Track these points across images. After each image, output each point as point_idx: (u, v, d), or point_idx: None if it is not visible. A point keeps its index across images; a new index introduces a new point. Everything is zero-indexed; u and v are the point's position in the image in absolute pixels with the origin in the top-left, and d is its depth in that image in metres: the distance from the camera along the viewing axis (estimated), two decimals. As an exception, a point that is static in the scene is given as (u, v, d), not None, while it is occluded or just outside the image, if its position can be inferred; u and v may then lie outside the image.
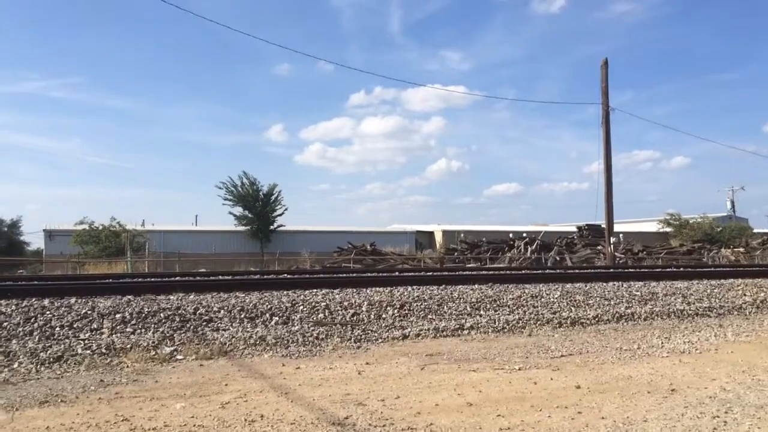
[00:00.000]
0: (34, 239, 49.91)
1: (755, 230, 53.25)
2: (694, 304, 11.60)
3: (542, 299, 10.94)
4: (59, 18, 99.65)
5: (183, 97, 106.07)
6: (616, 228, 31.13)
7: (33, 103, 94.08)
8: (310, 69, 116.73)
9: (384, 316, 9.28)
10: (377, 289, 11.03)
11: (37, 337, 7.44)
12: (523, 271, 16.77)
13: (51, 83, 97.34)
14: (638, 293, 12.05)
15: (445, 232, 48.53)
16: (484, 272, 16.16)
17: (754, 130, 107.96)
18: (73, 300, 8.98)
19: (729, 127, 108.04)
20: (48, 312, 8.25)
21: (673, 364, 6.61)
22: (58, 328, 7.74)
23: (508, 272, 16.17)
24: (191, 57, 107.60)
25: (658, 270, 18.81)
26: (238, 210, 43.90)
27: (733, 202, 65.99)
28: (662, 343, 8.01)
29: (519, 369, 6.36)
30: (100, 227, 36.86)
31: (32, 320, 7.92)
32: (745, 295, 12.74)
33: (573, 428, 4.27)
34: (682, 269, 18.34)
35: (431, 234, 50.40)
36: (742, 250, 41.25)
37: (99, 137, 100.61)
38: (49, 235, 39.90)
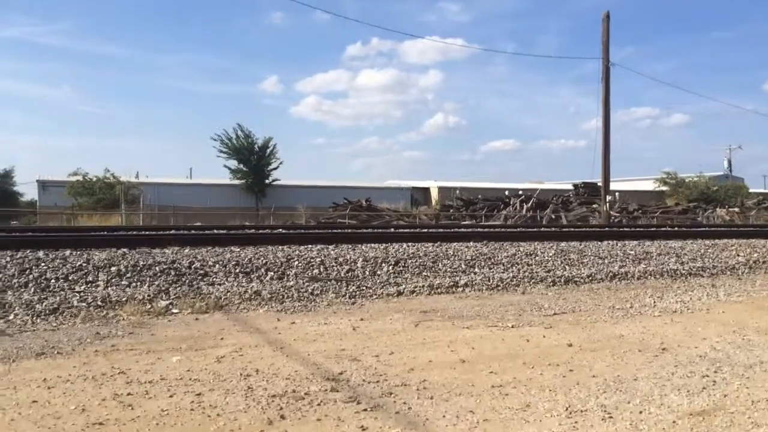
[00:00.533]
0: (27, 190, 49.80)
1: (751, 190, 53.41)
2: (687, 263, 11.68)
3: (537, 257, 10.99)
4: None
5: (176, 46, 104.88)
6: (613, 186, 31.18)
7: (21, 48, 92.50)
8: (306, 18, 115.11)
9: (379, 272, 9.32)
10: (372, 245, 11.06)
11: (32, 288, 7.45)
12: (519, 229, 16.83)
13: (39, 29, 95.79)
14: (632, 252, 12.11)
15: (441, 189, 48.54)
16: (479, 229, 16.20)
17: (754, 88, 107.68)
18: (68, 252, 8.98)
19: (729, 85, 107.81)
20: (43, 264, 8.26)
21: (664, 324, 6.67)
22: (53, 280, 7.75)
23: (503, 230, 16.23)
24: (181, 4, 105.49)
25: (652, 229, 18.90)
26: (233, 163, 43.68)
27: (730, 161, 66.05)
28: (654, 302, 8.08)
29: (512, 326, 6.41)
30: (94, 179, 36.73)
31: (27, 272, 7.92)
32: (738, 255, 12.82)
33: (564, 386, 4.33)
34: (676, 229, 18.45)
35: (427, 190, 50.40)
36: (737, 210, 41.38)
37: (89, 85, 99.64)
38: (43, 186, 39.73)
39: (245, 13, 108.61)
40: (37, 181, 40.24)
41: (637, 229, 19.20)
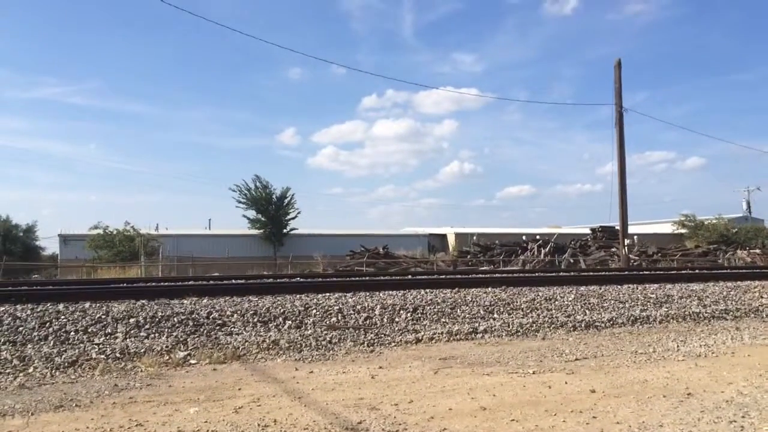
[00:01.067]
0: (49, 244, 50.57)
1: (771, 231, 52.65)
2: (710, 306, 11.48)
3: (556, 302, 10.87)
4: (75, 23, 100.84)
5: (196, 101, 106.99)
6: (630, 229, 30.95)
7: (49, 108, 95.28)
8: (323, 72, 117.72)
9: (397, 319, 9.26)
10: (390, 292, 11.02)
11: (52, 341, 7.49)
12: (537, 274, 16.69)
13: (67, 89, 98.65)
14: (653, 296, 11.94)
15: (457, 235, 48.47)
16: (497, 275, 16.09)
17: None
18: (87, 304, 9.04)
19: (744, 127, 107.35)
20: (63, 316, 8.31)
21: (689, 368, 6.53)
22: (72, 333, 7.80)
23: (521, 275, 16.11)
24: (205, 61, 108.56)
25: (673, 272, 18.66)
26: (252, 213, 44.15)
27: (749, 203, 65.40)
28: (678, 346, 7.93)
29: (533, 373, 6.31)
30: (114, 232, 37.22)
31: (47, 325, 7.98)
32: (762, 297, 12.59)
33: (588, 433, 4.23)
34: (697, 271, 18.18)
35: (444, 237, 50.34)
36: (758, 251, 40.78)
37: (114, 142, 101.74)
38: (64, 239, 40.30)
39: (264, 68, 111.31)
40: (59, 235, 40.85)
41: (657, 272, 18.97)
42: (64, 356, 6.91)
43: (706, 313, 10.94)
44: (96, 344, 7.46)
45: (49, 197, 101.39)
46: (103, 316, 8.38)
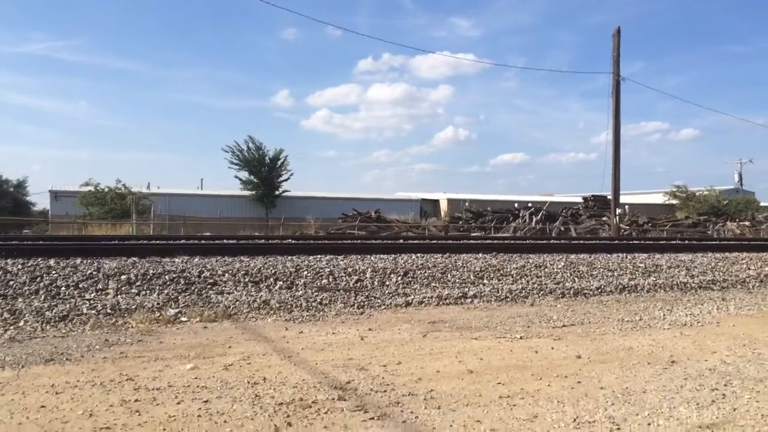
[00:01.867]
0: (39, 200, 50.24)
1: (762, 204, 53.00)
2: (697, 277, 11.61)
3: (546, 269, 10.96)
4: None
5: (189, 60, 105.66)
6: (622, 199, 31.05)
7: (38, 64, 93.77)
8: (318, 34, 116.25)
9: (387, 283, 9.32)
10: (381, 256, 11.07)
11: (42, 296, 7.51)
12: (528, 241, 16.77)
13: (56, 44, 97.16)
14: (642, 265, 12.05)
15: (450, 201, 48.48)
16: (488, 241, 16.16)
17: (764, 103, 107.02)
18: (78, 260, 9.04)
19: (739, 99, 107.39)
20: (54, 272, 8.32)
21: (674, 337, 6.63)
22: (63, 288, 7.81)
23: (512, 242, 16.17)
24: (198, 20, 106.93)
25: (662, 242, 18.81)
26: (244, 174, 43.85)
27: (740, 175, 65.75)
28: (664, 315, 8.03)
29: (521, 338, 6.39)
30: (106, 189, 36.99)
31: (38, 279, 7.98)
32: (749, 268, 12.73)
33: (572, 397, 4.30)
34: (686, 242, 18.33)
35: (436, 202, 50.35)
36: (747, 223, 41.12)
37: (104, 99, 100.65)
38: (55, 195, 40.05)
39: (259, 28, 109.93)
40: (50, 191, 40.57)
41: (647, 242, 19.11)
42: (54, 311, 6.92)
43: (693, 283, 11.06)
44: (87, 300, 7.48)
45: (40, 153, 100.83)
46: (95, 273, 8.39)
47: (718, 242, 18.71)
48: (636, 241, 18.59)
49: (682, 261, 12.82)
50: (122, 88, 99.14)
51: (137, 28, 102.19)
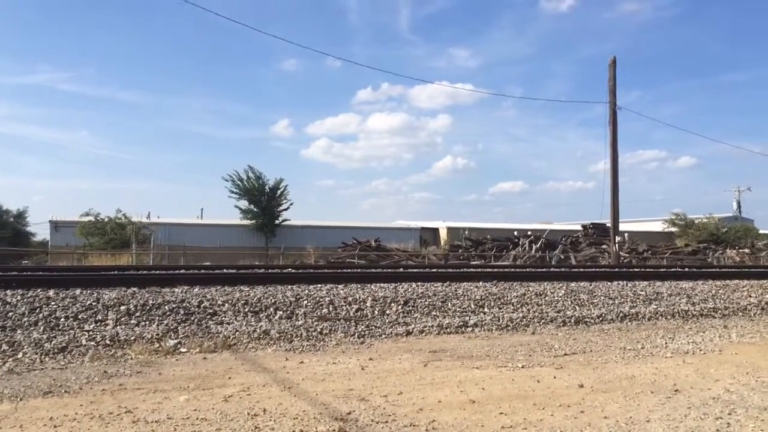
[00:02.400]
0: (39, 230, 50.12)
1: (761, 231, 53.01)
2: (698, 304, 11.57)
3: (546, 297, 10.92)
4: (69, 10, 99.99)
5: (190, 91, 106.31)
6: (621, 227, 31.07)
7: (42, 94, 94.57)
8: (318, 65, 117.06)
9: (388, 312, 9.28)
10: (381, 285, 11.04)
11: (41, 327, 7.47)
12: (528, 269, 16.75)
13: (60, 75, 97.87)
14: (643, 293, 12.02)
15: (449, 229, 48.48)
16: (488, 270, 16.14)
17: (761, 131, 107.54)
18: (78, 291, 9.01)
19: (736, 128, 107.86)
20: (53, 303, 8.29)
21: (676, 365, 6.59)
22: (62, 319, 7.77)
23: (512, 270, 16.15)
24: (199, 51, 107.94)
25: (662, 270, 18.77)
26: (244, 204, 43.90)
27: (739, 203, 65.76)
28: (666, 343, 7.99)
29: (522, 367, 6.35)
30: (106, 219, 37.01)
31: (37, 310, 7.95)
32: (750, 296, 12.69)
33: (575, 427, 4.27)
34: (686, 269, 18.29)
35: (436, 231, 50.33)
36: (747, 251, 41.08)
37: (106, 130, 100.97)
38: (55, 226, 40.01)
39: (259, 59, 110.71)
40: (50, 221, 40.53)
41: (647, 269, 19.06)
42: (53, 342, 6.89)
43: (694, 311, 11.02)
44: (86, 331, 7.45)
45: (40, 184, 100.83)
46: (94, 303, 8.36)
47: (718, 270, 18.67)
48: (636, 269, 18.55)
49: (682, 288, 12.78)
50: (123, 119, 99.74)
51: (140, 59, 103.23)
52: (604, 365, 6.52)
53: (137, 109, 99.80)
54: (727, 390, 5.46)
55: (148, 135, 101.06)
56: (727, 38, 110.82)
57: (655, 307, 11.06)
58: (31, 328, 7.43)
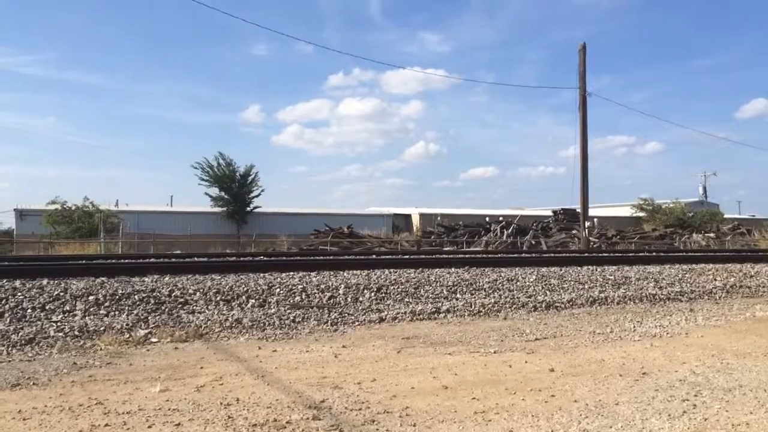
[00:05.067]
0: (4, 219, 49.10)
1: (726, 216, 54.21)
2: (665, 288, 11.79)
3: (518, 283, 11.04)
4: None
5: (158, 75, 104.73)
6: (591, 212, 31.50)
7: (5, 78, 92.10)
8: (288, 49, 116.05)
9: (361, 299, 9.29)
10: (354, 272, 11.04)
11: (8, 318, 7.32)
12: (499, 255, 16.91)
13: (23, 59, 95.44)
14: (612, 277, 12.21)
15: (422, 215, 48.64)
16: (460, 256, 16.24)
17: (726, 116, 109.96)
18: (45, 281, 8.85)
19: (702, 113, 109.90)
20: (19, 293, 8.12)
21: (644, 348, 6.72)
22: (29, 310, 7.63)
23: (484, 256, 16.29)
24: (166, 34, 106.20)
25: (631, 254, 19.07)
26: (214, 191, 43.52)
27: (705, 188, 67.31)
28: (634, 327, 8.13)
29: (494, 352, 6.42)
30: (73, 207, 36.31)
31: (3, 301, 7.79)
32: (715, 279, 12.97)
33: (546, 411, 4.33)
34: (654, 254, 18.62)
35: (408, 217, 50.47)
36: (713, 235, 41.99)
37: (73, 115, 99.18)
38: (20, 214, 39.20)
39: (229, 43, 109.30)
40: (15, 209, 39.68)
41: (616, 254, 19.37)
42: (20, 334, 6.77)
43: (662, 294, 11.23)
44: (54, 322, 7.32)
45: (5, 170, 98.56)
46: (62, 293, 8.22)
47: (684, 254, 19.03)
48: (605, 254, 18.82)
49: (650, 273, 13.01)
50: (91, 104, 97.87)
51: (106, 42, 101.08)
52: (574, 349, 6.62)
53: (104, 94, 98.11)
54: (694, 372, 5.58)
55: (116, 120, 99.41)
56: (695, 23, 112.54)
57: (623, 291, 11.24)
58: (-3, 320, 7.27)
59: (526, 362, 5.95)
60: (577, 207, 28.85)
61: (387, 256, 15.82)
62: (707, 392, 4.88)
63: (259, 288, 9.23)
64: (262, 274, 10.35)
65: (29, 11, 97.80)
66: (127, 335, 6.99)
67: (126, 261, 12.97)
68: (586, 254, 18.52)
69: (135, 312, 7.89)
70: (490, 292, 10.37)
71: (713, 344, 6.98)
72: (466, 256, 15.93)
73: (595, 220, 41.67)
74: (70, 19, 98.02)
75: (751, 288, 12.46)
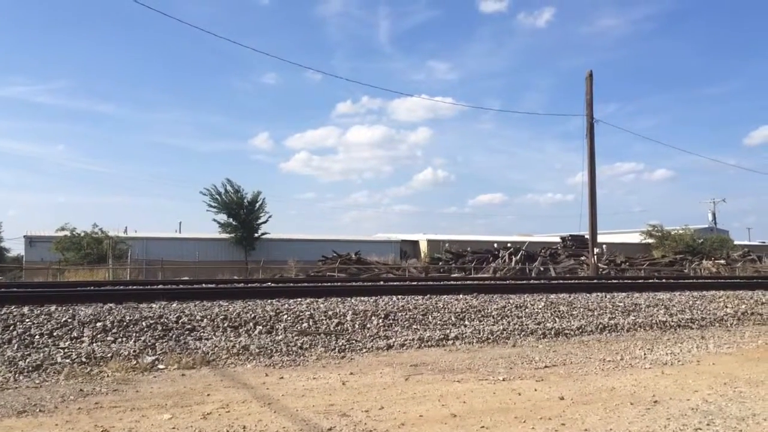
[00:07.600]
0: (14, 245, 49.39)
1: (736, 242, 53.90)
2: (676, 315, 11.68)
3: (526, 309, 10.96)
4: (44, 22, 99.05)
5: (168, 104, 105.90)
6: (600, 239, 31.34)
7: (17, 107, 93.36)
8: (297, 78, 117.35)
9: (368, 325, 9.24)
10: (362, 298, 11.00)
11: (15, 345, 7.33)
12: (508, 282, 16.81)
13: (35, 88, 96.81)
14: (621, 304, 12.11)
15: (430, 242, 48.55)
16: (468, 282, 16.17)
17: (735, 143, 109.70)
18: (53, 307, 8.86)
19: (711, 140, 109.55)
20: (27, 320, 8.13)
21: (655, 376, 6.63)
22: (37, 336, 7.63)
23: (492, 282, 16.21)
24: (177, 63, 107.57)
25: (640, 281, 18.94)
26: (222, 217, 43.64)
27: (714, 215, 66.89)
28: (645, 354, 8.05)
29: (503, 380, 6.35)
30: (82, 234, 36.51)
31: (11, 328, 7.80)
32: (726, 306, 12.85)
33: (557, 440, 4.27)
34: (664, 280, 18.48)
35: (416, 243, 50.39)
36: (723, 262, 41.67)
37: (83, 143, 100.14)
38: (30, 241, 39.40)
39: (239, 72, 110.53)
40: (25, 236, 39.90)
41: (625, 281, 19.23)
42: (28, 360, 6.76)
43: (672, 321, 11.12)
44: (61, 348, 7.32)
45: (16, 198, 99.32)
46: (69, 320, 8.23)
47: (695, 281, 18.88)
48: (615, 281, 18.70)
49: (660, 300, 12.91)
50: (101, 132, 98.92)
51: (117, 71, 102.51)
52: (584, 377, 6.54)
53: (114, 122, 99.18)
54: (706, 401, 5.50)
55: (125, 148, 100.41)
56: (702, 51, 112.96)
57: (633, 318, 11.15)
58: (5, 346, 7.27)
59: (535, 390, 5.88)
60: (586, 233, 28.74)
61: (394, 283, 15.76)
62: (720, 421, 4.80)
63: (266, 314, 9.21)
64: (269, 300, 10.33)
65: (42, 39, 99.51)
66: (134, 362, 6.97)
67: (134, 287, 12.98)
68: (595, 281, 18.40)
69: (142, 338, 7.88)
70: (499, 318, 10.30)
71: (725, 372, 6.89)
72: (474, 282, 15.86)
73: (604, 246, 41.48)
74: (81, 48, 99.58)
75: (763, 315, 12.33)
